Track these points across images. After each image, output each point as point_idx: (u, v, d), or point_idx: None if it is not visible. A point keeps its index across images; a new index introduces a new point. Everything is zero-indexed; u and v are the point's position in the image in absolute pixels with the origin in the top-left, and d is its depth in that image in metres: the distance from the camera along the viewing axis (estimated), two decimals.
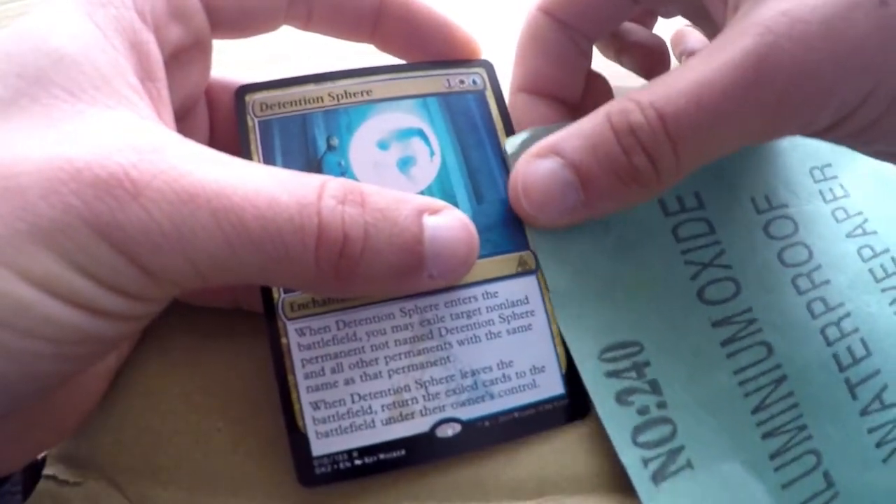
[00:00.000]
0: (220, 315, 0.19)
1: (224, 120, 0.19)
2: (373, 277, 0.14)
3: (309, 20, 0.19)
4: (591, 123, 0.16)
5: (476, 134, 0.19)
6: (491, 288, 0.17)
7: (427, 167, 0.18)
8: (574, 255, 0.18)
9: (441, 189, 0.18)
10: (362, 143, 0.18)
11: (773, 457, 0.18)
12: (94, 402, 0.17)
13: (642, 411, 0.17)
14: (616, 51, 0.24)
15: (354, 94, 0.18)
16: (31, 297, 0.11)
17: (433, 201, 0.16)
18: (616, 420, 0.17)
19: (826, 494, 0.18)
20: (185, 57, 0.17)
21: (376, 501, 0.17)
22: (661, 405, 0.17)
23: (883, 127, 0.16)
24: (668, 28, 0.27)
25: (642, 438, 0.17)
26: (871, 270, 0.20)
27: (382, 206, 0.14)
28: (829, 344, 0.19)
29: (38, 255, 0.11)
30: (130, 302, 0.13)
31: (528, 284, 0.18)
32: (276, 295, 0.17)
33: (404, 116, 0.18)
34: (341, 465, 0.16)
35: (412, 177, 0.18)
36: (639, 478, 0.16)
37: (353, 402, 0.16)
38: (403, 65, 0.19)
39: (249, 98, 0.18)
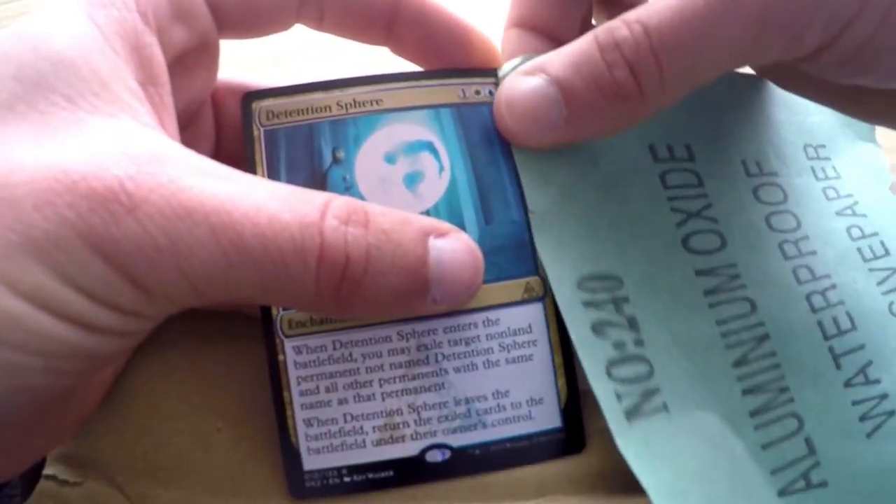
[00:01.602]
0: (220, 317, 0.19)
1: (230, 124, 0.19)
2: (374, 300, 0.14)
3: (321, 20, 0.18)
4: (578, 42, 0.16)
5: (489, 149, 0.18)
6: (493, 315, 0.17)
7: (435, 183, 0.17)
8: (559, 178, 0.17)
9: (448, 207, 0.17)
10: (369, 157, 0.17)
11: (753, 414, 0.17)
12: (91, 410, 0.18)
13: (618, 345, 0.16)
14: (608, 17, 0.23)
15: (364, 104, 0.18)
16: (22, 310, 0.11)
17: (439, 223, 0.15)
18: (591, 350, 0.16)
19: (807, 461, 0.17)
20: (190, 60, 0.17)
21: (376, 502, 0.17)
22: (639, 342, 0.16)
23: (874, 49, 0.15)
24: None
25: (617, 373, 0.16)
26: (859, 249, 0.20)
27: (387, 227, 0.14)
28: (813, 311, 0.18)
29: (30, 267, 0.11)
30: (124, 318, 0.13)
31: (533, 312, 0.17)
32: (274, 311, 0.17)
33: (414, 128, 0.18)
34: (331, 481, 0.17)
35: (419, 194, 0.17)
36: (611, 411, 0.15)
37: (345, 421, 0.17)
38: (416, 72, 0.18)
39: (256, 106, 0.17)
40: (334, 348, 0.17)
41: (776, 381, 0.17)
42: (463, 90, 0.18)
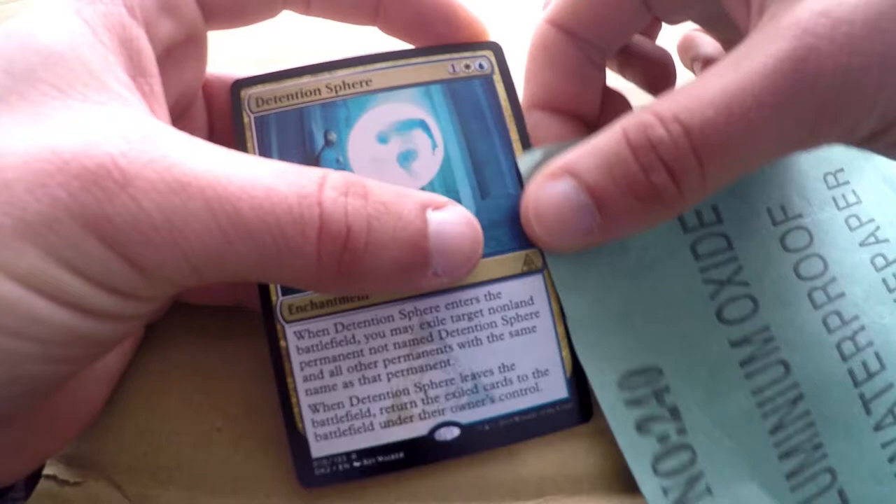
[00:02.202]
0: (220, 314, 0.19)
1: (222, 117, 0.18)
2: (376, 274, 0.14)
3: (308, 5, 0.18)
4: (606, 140, 0.15)
5: (482, 122, 0.18)
6: (494, 289, 0.17)
7: (429, 161, 0.17)
8: (593, 280, 0.17)
9: (443, 183, 0.17)
10: (361, 138, 0.17)
11: (789, 477, 0.17)
12: (96, 410, 0.17)
13: (662, 439, 0.17)
14: (620, 63, 0.23)
15: (353, 85, 0.17)
16: (16, 294, 0.11)
17: (436, 197, 0.15)
18: (636, 450, 0.17)
19: None
20: (178, 52, 0.16)
21: (377, 501, 0.17)
22: (681, 431, 0.17)
23: None
24: (671, 37, 0.25)
25: (662, 467, 0.17)
26: (884, 280, 0.20)
27: (386, 199, 0.14)
28: (844, 359, 0.19)
29: (24, 250, 0.11)
30: (123, 300, 0.12)
31: (533, 284, 0.17)
32: (273, 298, 0.17)
33: (405, 107, 0.17)
34: (340, 467, 0.16)
35: (413, 171, 0.17)
36: None
37: (351, 404, 0.16)
38: (405, 51, 0.18)
39: (245, 93, 0.17)
40: (336, 331, 0.16)
41: (810, 439, 0.18)
42: (453, 65, 0.18)
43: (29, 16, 0.13)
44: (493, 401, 0.17)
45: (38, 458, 0.16)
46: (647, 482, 0.16)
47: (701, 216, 0.19)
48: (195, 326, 0.19)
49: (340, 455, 0.16)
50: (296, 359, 0.16)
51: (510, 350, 0.17)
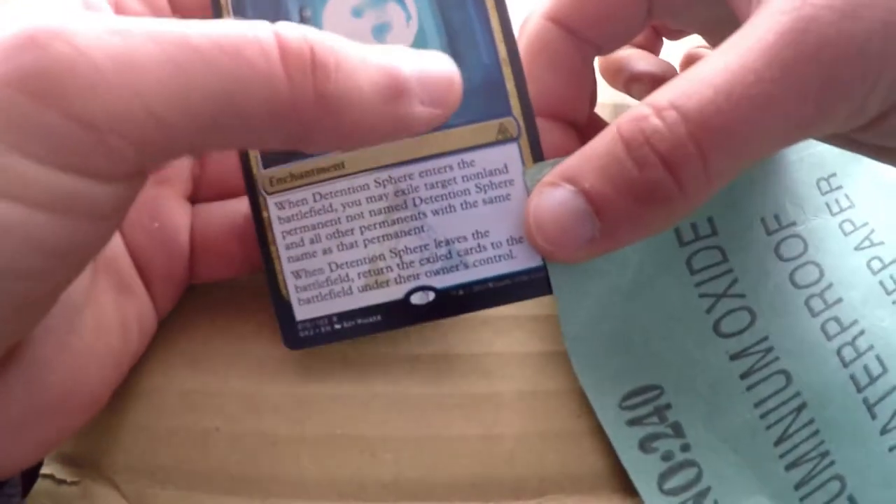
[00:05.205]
0: (219, 314, 0.19)
1: None
2: (358, 99, 0.13)
3: None
4: (601, 139, 0.14)
5: None
6: (467, 157, 0.17)
7: (403, 33, 0.17)
8: (592, 298, 0.17)
9: None
10: (336, 12, 0.17)
11: (798, 487, 0.17)
12: (100, 397, 0.16)
13: (667, 457, 0.17)
14: (625, 80, 0.22)
15: None
16: None
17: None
18: (641, 469, 0.17)
19: None
20: None
21: (376, 500, 0.17)
22: (685, 448, 0.17)
23: None
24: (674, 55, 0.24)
25: (668, 485, 0.17)
26: (881, 283, 0.19)
27: (344, 39, 0.13)
28: (845, 365, 0.18)
29: None
30: (86, 182, 0.11)
31: (507, 153, 0.17)
32: (255, 171, 0.17)
33: None
34: (322, 329, 0.17)
35: (387, 44, 0.17)
36: None
37: (331, 270, 0.17)
38: None
39: None
40: (315, 200, 0.17)
41: (816, 447, 0.18)
42: None
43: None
44: (466, 266, 0.17)
45: (39, 445, 0.15)
46: (654, 501, 0.16)
47: (696, 228, 0.18)
48: (194, 325, 0.19)
49: (322, 318, 0.17)
50: (278, 228, 0.17)
51: (484, 217, 0.17)
